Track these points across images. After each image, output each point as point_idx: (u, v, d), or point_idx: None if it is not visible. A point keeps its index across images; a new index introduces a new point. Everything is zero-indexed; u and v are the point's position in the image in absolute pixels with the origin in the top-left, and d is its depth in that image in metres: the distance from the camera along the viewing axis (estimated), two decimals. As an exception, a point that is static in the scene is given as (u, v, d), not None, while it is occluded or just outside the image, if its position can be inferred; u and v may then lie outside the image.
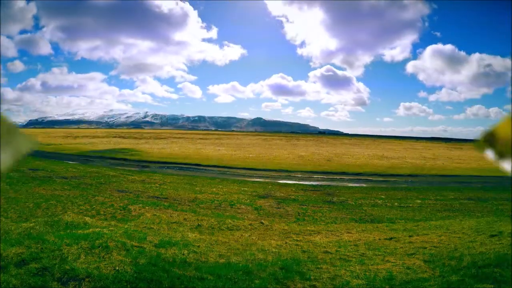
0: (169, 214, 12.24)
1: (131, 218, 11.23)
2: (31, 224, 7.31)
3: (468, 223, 10.42)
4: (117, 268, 4.66)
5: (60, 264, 4.60)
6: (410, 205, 16.43)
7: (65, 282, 4.21)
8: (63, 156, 38.13)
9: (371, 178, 27.40)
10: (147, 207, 13.38)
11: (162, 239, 6.61)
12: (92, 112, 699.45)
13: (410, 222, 12.05)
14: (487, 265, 5.06)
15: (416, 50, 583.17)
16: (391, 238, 8.43)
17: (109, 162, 33.36)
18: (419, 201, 17.54)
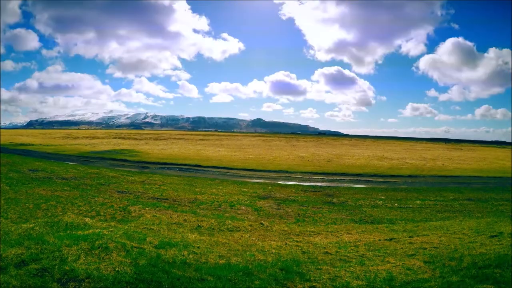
0: (169, 215, 12.22)
1: (131, 219, 11.22)
2: (31, 225, 7.31)
3: (468, 223, 10.41)
4: (117, 269, 4.66)
5: (60, 265, 4.60)
6: (410, 206, 16.43)
7: (65, 283, 4.20)
8: (63, 157, 38.14)
9: (371, 179, 27.39)
10: (147, 208, 13.37)
11: (162, 240, 6.61)
12: (92, 113, 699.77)
13: (410, 223, 12.04)
14: (487, 266, 5.06)
15: (431, 44, 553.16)
16: (391, 239, 8.43)
17: (109, 163, 33.36)
18: (419, 202, 17.54)
